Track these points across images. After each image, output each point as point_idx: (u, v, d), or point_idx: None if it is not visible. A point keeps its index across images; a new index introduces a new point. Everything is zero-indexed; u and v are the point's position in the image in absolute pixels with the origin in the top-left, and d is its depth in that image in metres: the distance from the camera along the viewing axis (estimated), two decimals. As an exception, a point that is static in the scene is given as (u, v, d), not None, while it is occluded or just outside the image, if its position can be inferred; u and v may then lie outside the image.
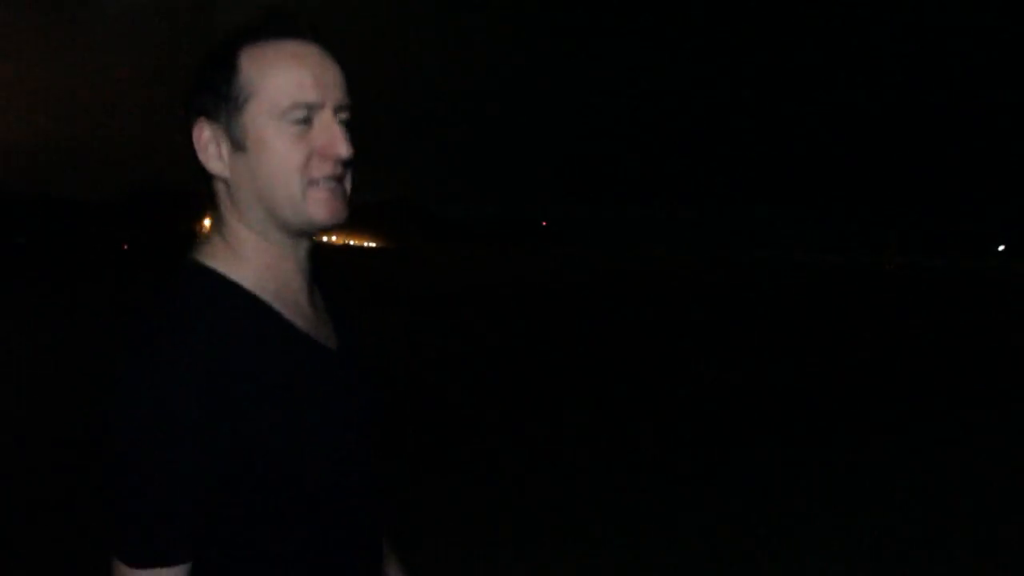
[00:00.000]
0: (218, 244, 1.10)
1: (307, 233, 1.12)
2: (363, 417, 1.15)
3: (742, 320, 19.58)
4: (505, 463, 6.46)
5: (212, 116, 1.07)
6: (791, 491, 5.81)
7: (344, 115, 1.09)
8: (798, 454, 6.86)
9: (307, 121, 1.06)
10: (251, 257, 1.09)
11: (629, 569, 4.45)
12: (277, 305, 1.09)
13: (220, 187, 1.10)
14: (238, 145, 1.06)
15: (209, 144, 1.07)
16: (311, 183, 1.07)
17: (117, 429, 0.94)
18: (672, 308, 23.27)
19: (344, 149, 1.08)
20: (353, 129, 1.11)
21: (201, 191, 1.12)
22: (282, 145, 1.05)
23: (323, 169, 1.07)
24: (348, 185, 1.11)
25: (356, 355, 1.20)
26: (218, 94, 1.05)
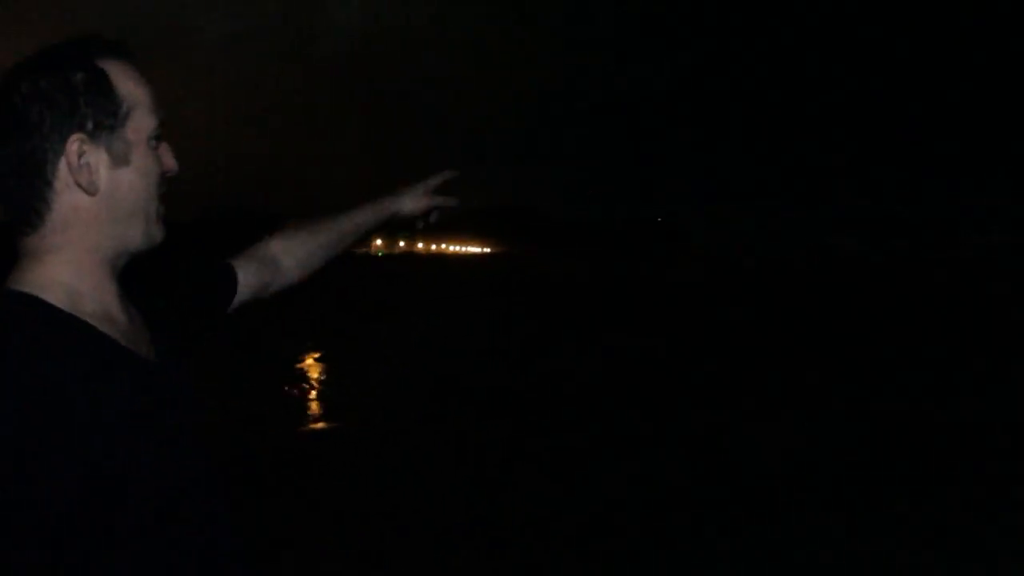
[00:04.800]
0: (29, 268, 1.05)
1: (138, 253, 1.11)
2: (191, 428, 1.11)
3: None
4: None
5: (89, 132, 1.03)
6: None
7: None
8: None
9: (159, 140, 1.10)
10: (69, 280, 1.04)
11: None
12: (94, 323, 1.04)
13: (80, 207, 1.04)
14: (121, 160, 1.06)
15: (88, 161, 1.03)
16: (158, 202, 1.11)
17: None
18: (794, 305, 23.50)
19: (176, 166, 1.13)
20: None
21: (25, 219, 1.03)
22: (149, 163, 1.08)
23: (162, 187, 1.11)
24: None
25: (177, 365, 1.16)
26: (98, 108, 1.04)
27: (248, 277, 1.45)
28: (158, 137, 1.10)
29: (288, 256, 1.53)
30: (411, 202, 1.63)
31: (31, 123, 1.01)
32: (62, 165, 1.03)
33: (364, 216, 1.61)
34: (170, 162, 1.12)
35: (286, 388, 10.73)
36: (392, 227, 1.65)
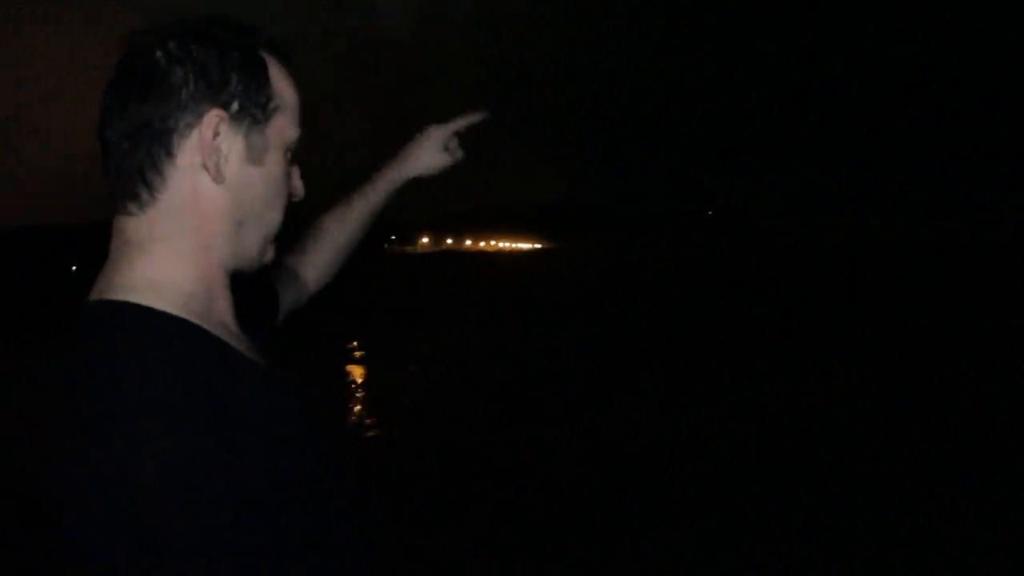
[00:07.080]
0: (133, 264, 0.92)
1: (247, 269, 1.00)
2: (331, 437, 1.03)
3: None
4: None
5: (233, 113, 0.93)
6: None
7: None
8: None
9: (295, 157, 1.01)
10: (182, 281, 0.92)
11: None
12: (218, 333, 0.93)
13: (202, 193, 0.92)
14: (256, 158, 0.95)
15: (221, 144, 0.92)
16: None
17: (150, 497, 0.76)
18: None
19: (303, 193, 1.04)
20: None
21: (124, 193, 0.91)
22: (281, 175, 0.99)
23: (285, 210, 1.02)
24: None
25: (277, 366, 1.04)
26: (249, 92, 0.93)
27: (285, 295, 1.38)
28: (295, 153, 1.01)
29: (309, 268, 1.46)
30: (423, 162, 1.48)
31: (171, 84, 0.90)
32: (192, 140, 0.91)
33: (375, 197, 1.49)
34: (299, 185, 1.03)
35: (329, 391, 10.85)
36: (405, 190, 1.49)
